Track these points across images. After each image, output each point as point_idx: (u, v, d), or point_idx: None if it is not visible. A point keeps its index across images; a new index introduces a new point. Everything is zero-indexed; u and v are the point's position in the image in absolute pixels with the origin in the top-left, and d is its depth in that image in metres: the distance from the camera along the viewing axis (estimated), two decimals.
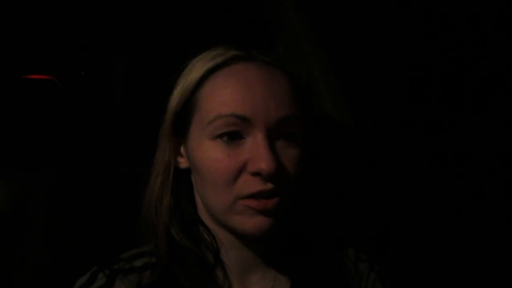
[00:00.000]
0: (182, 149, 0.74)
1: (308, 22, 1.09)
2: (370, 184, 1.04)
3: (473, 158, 1.08)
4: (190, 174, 0.75)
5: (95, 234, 0.93)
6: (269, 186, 0.64)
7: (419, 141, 1.11)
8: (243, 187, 0.65)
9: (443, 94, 1.11)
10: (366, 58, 1.12)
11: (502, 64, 1.08)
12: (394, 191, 1.05)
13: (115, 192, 0.97)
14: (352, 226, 0.95)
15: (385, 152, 1.07)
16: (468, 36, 1.10)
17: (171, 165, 0.74)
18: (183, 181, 0.75)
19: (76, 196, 0.95)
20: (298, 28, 1.10)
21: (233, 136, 0.65)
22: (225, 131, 0.65)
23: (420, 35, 1.13)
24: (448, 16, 1.12)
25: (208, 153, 0.66)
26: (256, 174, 0.64)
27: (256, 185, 0.64)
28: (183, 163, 0.74)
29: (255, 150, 0.64)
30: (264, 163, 0.62)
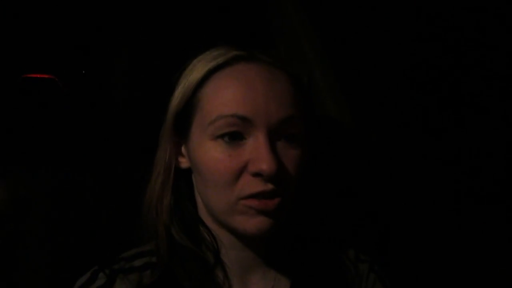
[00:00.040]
0: (183, 149, 0.74)
1: (308, 22, 1.10)
2: (370, 184, 1.04)
3: (473, 158, 1.08)
4: (191, 174, 0.74)
5: (95, 233, 0.93)
6: (270, 186, 0.64)
7: (419, 141, 1.11)
8: (243, 187, 0.65)
9: (443, 94, 1.11)
10: (366, 58, 1.12)
11: (502, 64, 1.08)
12: (394, 191, 1.05)
13: (115, 192, 0.97)
14: (352, 226, 0.95)
15: (385, 152, 1.07)
16: (468, 36, 1.10)
17: (171, 165, 0.74)
18: (183, 181, 0.75)
19: (76, 196, 0.95)
20: (298, 28, 1.10)
21: (234, 136, 0.65)
22: (226, 132, 0.65)
23: (420, 35, 1.13)
24: (448, 16, 1.11)
25: (209, 153, 0.66)
26: (257, 174, 0.64)
27: (257, 186, 0.64)
28: (184, 163, 0.74)
29: (256, 150, 0.64)
30: (265, 164, 0.62)
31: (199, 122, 0.68)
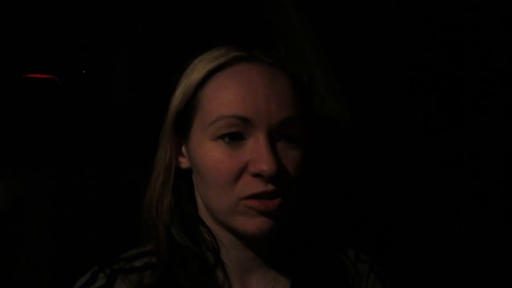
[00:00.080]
0: (183, 149, 0.74)
1: (308, 22, 1.09)
2: (370, 184, 1.04)
3: (473, 158, 1.08)
4: (191, 174, 0.75)
5: (95, 234, 0.93)
6: (270, 187, 0.64)
7: (419, 141, 1.11)
8: (244, 188, 0.65)
9: (443, 94, 1.11)
10: (366, 58, 1.12)
11: (503, 64, 1.08)
12: (394, 191, 1.05)
13: (115, 192, 0.97)
14: (352, 226, 0.95)
15: (385, 152, 1.07)
16: (468, 36, 1.10)
17: (172, 165, 0.74)
18: (184, 181, 0.75)
19: (76, 196, 0.95)
20: (299, 28, 1.10)
21: (234, 137, 0.65)
22: (226, 132, 0.65)
23: (420, 35, 1.13)
24: (448, 16, 1.12)
25: (209, 154, 0.66)
26: (257, 175, 0.64)
27: (257, 186, 0.64)
28: (184, 163, 0.74)
29: (257, 151, 0.64)
30: (265, 165, 0.62)
31: (200, 122, 0.68)
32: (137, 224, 0.76)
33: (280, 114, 0.66)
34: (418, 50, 1.12)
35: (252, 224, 0.65)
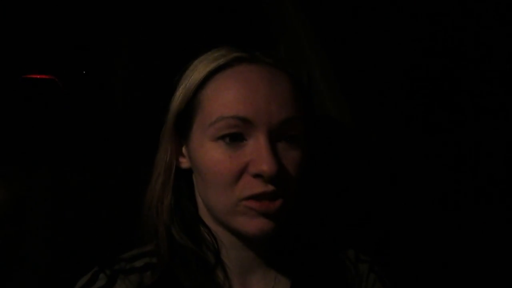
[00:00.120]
0: (183, 150, 0.74)
1: (308, 22, 1.10)
2: (370, 185, 1.04)
3: (473, 158, 1.08)
4: (191, 174, 0.75)
5: (95, 234, 0.93)
6: (271, 188, 0.64)
7: (419, 141, 1.11)
8: (244, 188, 0.65)
9: (443, 94, 1.11)
10: (366, 58, 1.12)
11: (503, 64, 1.08)
12: (394, 191, 1.05)
13: (115, 192, 0.97)
14: (352, 226, 0.95)
15: (385, 152, 1.07)
16: (468, 36, 1.10)
17: (172, 165, 0.74)
18: (184, 181, 0.75)
19: (76, 196, 0.95)
20: (299, 28, 1.10)
21: (235, 137, 0.65)
22: (227, 133, 0.65)
23: (420, 35, 1.13)
24: (448, 16, 1.12)
25: (209, 154, 0.66)
26: (257, 175, 0.64)
27: (258, 187, 0.64)
28: (184, 163, 0.74)
29: (257, 152, 0.64)
30: (265, 165, 0.62)
31: (200, 123, 0.68)
32: (137, 224, 0.76)
33: (281, 115, 0.66)
34: (418, 50, 1.12)
35: (252, 225, 0.65)
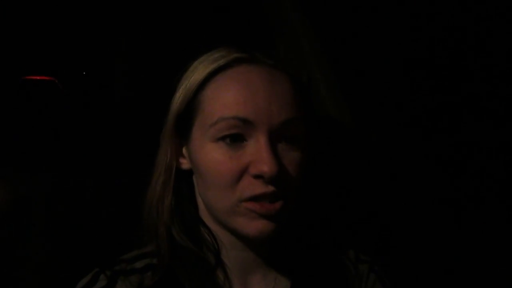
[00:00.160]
0: (184, 150, 0.74)
1: (308, 22, 1.09)
2: (370, 185, 1.04)
3: (473, 158, 1.08)
4: (192, 175, 0.75)
5: (95, 234, 0.93)
6: (271, 189, 0.64)
7: (419, 141, 1.11)
8: (245, 189, 0.65)
9: (443, 94, 1.11)
10: (366, 58, 1.12)
11: (503, 64, 1.08)
12: (394, 191, 1.05)
13: (115, 193, 0.97)
14: (352, 226, 0.95)
15: (385, 152, 1.07)
16: (468, 36, 1.10)
17: (172, 166, 0.74)
18: (184, 182, 0.75)
19: (76, 197, 0.95)
20: (298, 28, 1.10)
21: (235, 138, 0.65)
22: (227, 134, 0.65)
23: (420, 35, 1.13)
24: (448, 16, 1.12)
25: (210, 155, 0.66)
26: (258, 176, 0.64)
27: (258, 188, 0.64)
28: (184, 164, 0.74)
29: (257, 152, 0.64)
30: (266, 166, 0.62)
31: (200, 124, 0.68)
32: (137, 225, 0.76)
33: (281, 116, 0.66)
34: (418, 50, 1.12)
35: (252, 226, 0.65)
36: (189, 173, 0.74)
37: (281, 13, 1.12)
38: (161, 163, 0.74)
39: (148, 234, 0.75)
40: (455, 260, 1.03)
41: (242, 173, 0.65)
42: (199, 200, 0.74)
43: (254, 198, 0.64)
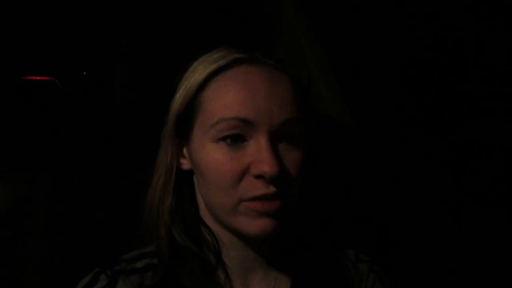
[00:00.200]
0: (184, 151, 0.74)
1: (308, 22, 1.09)
2: (370, 185, 1.04)
3: (473, 158, 1.08)
4: (192, 175, 0.75)
5: (95, 234, 0.93)
6: (272, 189, 0.64)
7: (419, 141, 1.11)
8: (246, 189, 0.65)
9: (443, 94, 1.11)
10: (366, 58, 1.12)
11: (503, 64, 1.08)
12: (394, 191, 1.05)
13: (115, 193, 0.96)
14: (352, 226, 0.95)
15: (385, 152, 1.07)
16: (468, 36, 1.10)
17: (173, 166, 0.74)
18: (185, 182, 0.75)
19: (76, 197, 0.95)
20: (298, 28, 1.10)
21: (236, 139, 0.65)
22: (228, 134, 0.65)
23: (420, 35, 1.13)
24: (448, 16, 1.12)
25: (211, 156, 0.66)
26: (259, 176, 0.64)
27: (259, 188, 0.64)
28: (185, 164, 0.74)
29: (258, 153, 0.64)
30: (267, 166, 0.63)
31: (201, 124, 0.68)
32: (137, 225, 0.76)
33: (281, 116, 0.66)
34: (418, 50, 1.12)
35: (254, 225, 0.65)
36: (190, 173, 0.74)
37: (281, 13, 1.12)
38: (162, 164, 0.74)
39: (149, 235, 0.75)
40: (455, 260, 1.03)
41: (243, 173, 0.65)
42: (200, 200, 0.74)
43: (256, 199, 0.64)
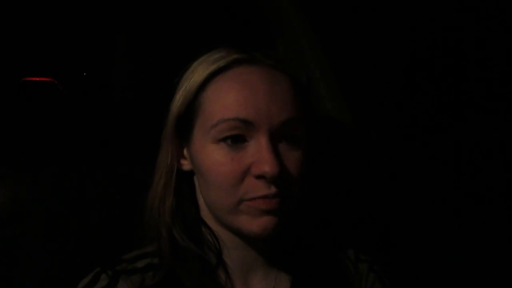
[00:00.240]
0: (185, 152, 0.74)
1: (308, 22, 1.09)
2: (370, 185, 1.04)
3: (473, 158, 1.08)
4: (193, 175, 0.75)
5: (96, 234, 0.93)
6: (273, 189, 0.64)
7: (419, 141, 1.11)
8: (247, 190, 0.65)
9: (443, 94, 1.12)
10: (366, 58, 1.12)
11: (503, 64, 1.08)
12: (394, 191, 1.05)
13: (115, 193, 0.96)
14: (352, 226, 0.95)
15: (386, 152, 1.07)
16: (468, 36, 1.10)
17: (173, 167, 0.74)
18: (185, 183, 0.75)
19: (76, 197, 0.95)
20: (298, 28, 1.10)
21: (236, 139, 0.66)
22: (228, 135, 0.65)
23: (420, 35, 1.13)
24: (448, 16, 1.12)
25: (211, 157, 0.66)
26: (260, 177, 0.64)
27: (261, 189, 0.64)
28: (186, 165, 0.74)
29: (259, 153, 0.64)
30: (267, 166, 0.63)
31: (201, 125, 0.68)
32: (138, 225, 0.76)
33: (281, 116, 0.66)
34: (418, 50, 1.12)
35: (256, 223, 0.65)
36: (190, 174, 0.75)
37: (281, 13, 1.12)
38: (162, 165, 0.74)
39: (150, 235, 0.75)
40: (455, 260, 1.03)
41: (244, 174, 0.65)
42: (201, 201, 0.74)
43: (257, 198, 0.65)
